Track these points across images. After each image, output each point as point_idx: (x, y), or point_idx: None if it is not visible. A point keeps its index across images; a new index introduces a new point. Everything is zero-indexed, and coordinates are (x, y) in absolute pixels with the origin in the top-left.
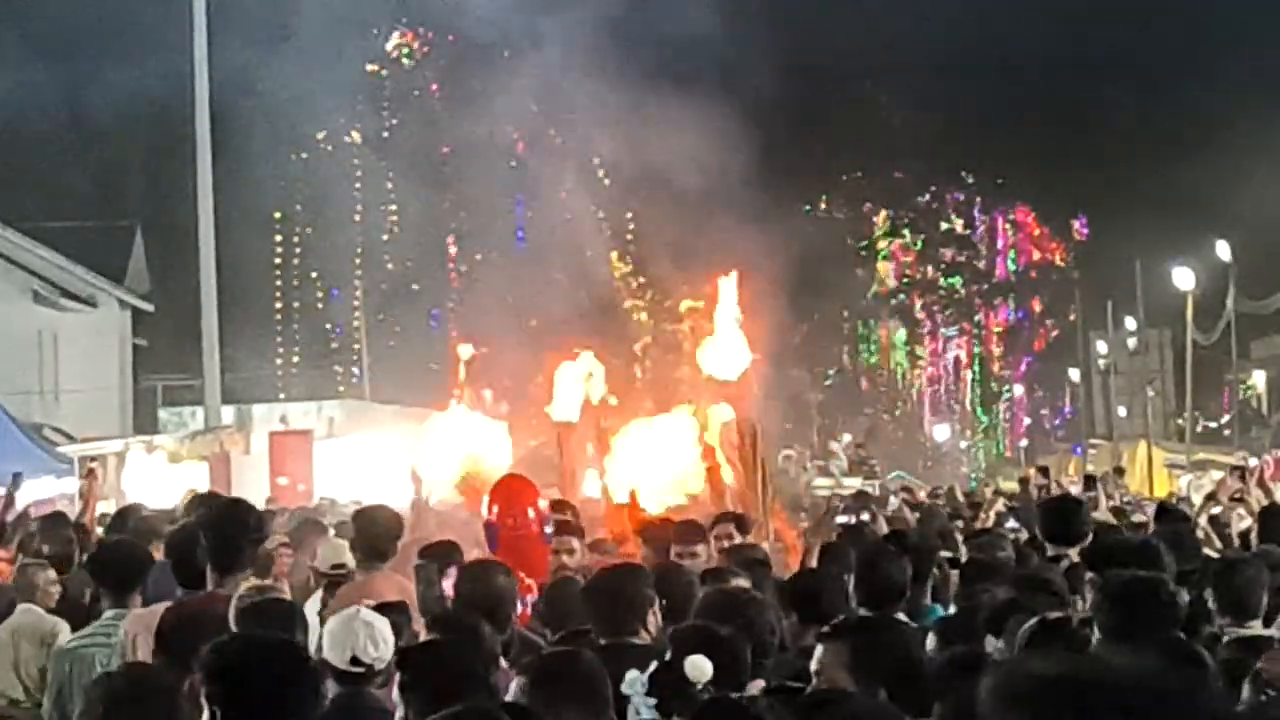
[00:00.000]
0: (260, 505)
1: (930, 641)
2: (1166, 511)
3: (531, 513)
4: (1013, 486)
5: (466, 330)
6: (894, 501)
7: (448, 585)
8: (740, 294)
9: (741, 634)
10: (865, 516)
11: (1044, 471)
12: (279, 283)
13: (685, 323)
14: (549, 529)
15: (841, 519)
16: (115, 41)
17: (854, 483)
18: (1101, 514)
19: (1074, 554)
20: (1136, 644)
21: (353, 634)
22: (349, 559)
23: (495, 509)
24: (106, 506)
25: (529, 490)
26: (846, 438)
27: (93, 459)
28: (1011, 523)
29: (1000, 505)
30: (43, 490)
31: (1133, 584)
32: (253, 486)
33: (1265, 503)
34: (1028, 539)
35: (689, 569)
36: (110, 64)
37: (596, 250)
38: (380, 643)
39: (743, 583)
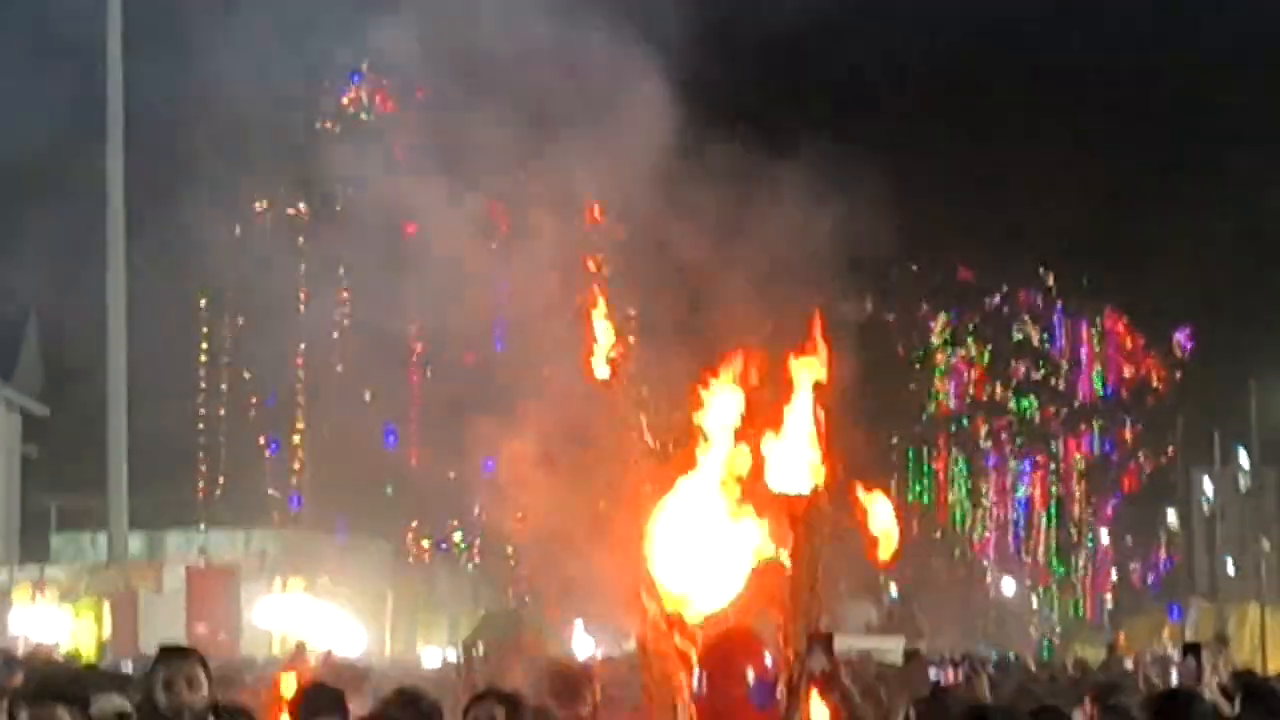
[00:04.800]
0: None
1: None
2: (1256, 690)
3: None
4: (1096, 655)
5: (431, 451)
6: (933, 674)
7: None
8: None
9: None
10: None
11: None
12: (203, 385)
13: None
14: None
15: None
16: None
17: (873, 645)
18: (1208, 693)
19: None
20: None
21: None
22: None
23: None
24: None
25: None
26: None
27: None
28: None
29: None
30: None
31: None
32: (164, 633)
33: None
34: None
35: None
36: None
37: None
38: None
39: None
